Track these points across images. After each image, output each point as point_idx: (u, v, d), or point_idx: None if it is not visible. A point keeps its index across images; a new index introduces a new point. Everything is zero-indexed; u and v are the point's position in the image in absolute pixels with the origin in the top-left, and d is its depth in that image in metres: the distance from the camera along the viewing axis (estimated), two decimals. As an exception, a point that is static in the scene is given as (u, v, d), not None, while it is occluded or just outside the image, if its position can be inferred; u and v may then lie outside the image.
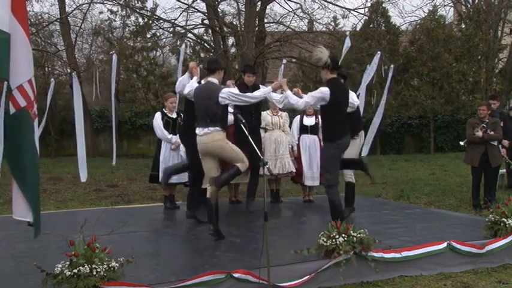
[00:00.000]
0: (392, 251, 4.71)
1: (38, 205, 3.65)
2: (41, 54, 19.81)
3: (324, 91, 5.39)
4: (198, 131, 5.45)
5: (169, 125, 7.28)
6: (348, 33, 11.27)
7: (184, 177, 7.29)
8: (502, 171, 9.40)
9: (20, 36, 3.47)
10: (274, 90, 5.76)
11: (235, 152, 5.47)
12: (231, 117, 5.99)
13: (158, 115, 7.39)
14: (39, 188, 3.69)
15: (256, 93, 5.68)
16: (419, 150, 21.00)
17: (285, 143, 7.69)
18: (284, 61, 11.87)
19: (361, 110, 10.66)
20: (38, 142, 3.62)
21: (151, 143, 20.38)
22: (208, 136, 5.34)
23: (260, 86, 7.18)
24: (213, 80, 5.50)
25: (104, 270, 3.54)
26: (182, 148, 6.95)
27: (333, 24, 19.78)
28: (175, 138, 7.16)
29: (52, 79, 13.16)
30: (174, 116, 7.33)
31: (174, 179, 7.29)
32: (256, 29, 16.21)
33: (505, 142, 8.76)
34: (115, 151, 9.99)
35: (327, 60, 5.47)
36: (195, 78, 5.99)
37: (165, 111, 7.38)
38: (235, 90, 5.61)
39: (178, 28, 16.71)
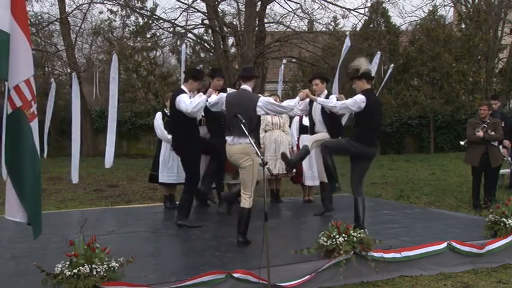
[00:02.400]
0: (392, 251, 4.71)
1: (38, 205, 3.65)
2: (41, 54, 19.82)
3: (361, 99, 5.55)
4: (229, 139, 5.21)
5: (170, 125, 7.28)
6: (347, 33, 11.27)
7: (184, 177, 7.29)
8: (504, 171, 9.40)
9: (18, 37, 3.47)
10: (302, 100, 5.89)
11: (254, 176, 5.22)
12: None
13: (159, 115, 7.40)
14: (40, 188, 3.69)
15: (290, 102, 5.68)
16: (419, 150, 21.00)
17: (285, 142, 7.68)
18: (284, 61, 11.87)
19: None
20: (38, 142, 3.61)
21: (151, 143, 20.40)
22: (240, 147, 5.11)
23: (228, 90, 7.09)
24: (248, 88, 5.39)
25: (104, 270, 3.54)
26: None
27: (333, 24, 19.73)
28: None
29: (52, 79, 13.16)
30: None
31: (173, 179, 7.30)
32: (256, 29, 16.17)
33: (506, 142, 8.76)
34: (113, 152, 9.72)
35: (366, 71, 5.69)
36: (214, 96, 5.82)
37: (166, 111, 7.38)
38: (271, 99, 5.59)
39: (178, 28, 16.69)
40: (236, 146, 5.13)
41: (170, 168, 7.25)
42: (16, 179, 3.55)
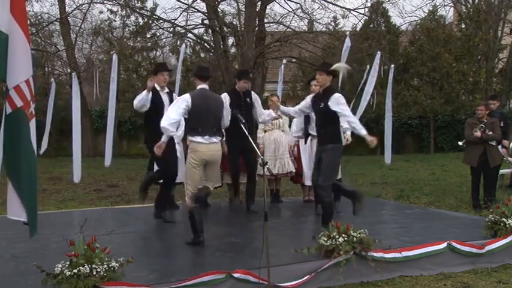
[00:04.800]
0: (392, 251, 4.71)
1: (35, 205, 3.65)
2: (41, 54, 19.81)
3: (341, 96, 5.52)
4: (203, 139, 5.18)
5: None
6: (348, 33, 11.27)
7: (181, 177, 7.26)
8: (504, 171, 9.39)
9: (18, 37, 3.47)
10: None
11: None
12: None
13: None
14: (36, 188, 3.69)
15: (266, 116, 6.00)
16: (419, 150, 20.99)
17: (284, 143, 7.68)
18: (284, 61, 11.88)
19: (361, 112, 10.96)
20: (35, 142, 3.62)
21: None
22: (217, 145, 5.29)
23: (252, 93, 7.15)
24: (207, 87, 5.38)
25: (104, 270, 3.54)
26: (178, 148, 6.94)
27: (333, 24, 19.73)
28: None
29: (52, 79, 13.17)
30: None
31: None
32: (256, 29, 16.17)
33: (506, 142, 8.75)
34: (111, 151, 9.97)
35: (336, 68, 5.69)
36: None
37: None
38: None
39: (178, 28, 16.68)
40: (217, 144, 5.27)
41: None
42: (15, 178, 3.55)
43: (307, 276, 4.28)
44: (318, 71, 5.74)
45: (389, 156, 11.19)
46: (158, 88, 6.38)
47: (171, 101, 6.31)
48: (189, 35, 17.24)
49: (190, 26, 16.66)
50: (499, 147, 8.25)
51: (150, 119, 6.28)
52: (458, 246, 4.95)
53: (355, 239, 4.47)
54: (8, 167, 3.58)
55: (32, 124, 3.59)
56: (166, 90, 6.55)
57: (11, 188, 3.57)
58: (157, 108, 6.22)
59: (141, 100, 6.22)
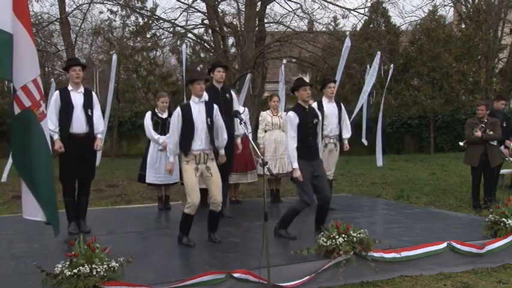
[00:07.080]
0: (392, 251, 4.71)
1: (54, 204, 3.63)
2: (41, 54, 19.79)
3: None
4: None
5: (159, 125, 7.21)
6: (347, 33, 11.27)
7: (175, 177, 7.25)
8: (505, 171, 9.38)
9: (22, 37, 3.46)
10: None
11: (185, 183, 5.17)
12: None
13: (148, 114, 7.29)
14: (54, 186, 3.67)
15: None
16: (419, 150, 20.97)
17: (285, 143, 7.68)
18: (284, 61, 11.86)
19: (364, 113, 10.93)
20: (49, 141, 3.60)
21: (151, 143, 20.39)
22: None
23: (231, 90, 6.72)
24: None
25: (104, 270, 3.54)
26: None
27: (333, 24, 19.75)
28: (163, 139, 7.08)
29: (52, 79, 13.19)
30: (165, 116, 7.27)
31: (160, 180, 7.25)
32: (256, 29, 16.16)
33: (507, 142, 8.74)
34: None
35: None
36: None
37: (156, 111, 7.31)
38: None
39: (178, 28, 16.68)
40: None
41: (157, 169, 7.21)
42: (28, 179, 3.53)
43: (307, 277, 4.28)
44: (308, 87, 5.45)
45: (380, 158, 11.29)
46: (70, 88, 5.74)
47: (87, 101, 5.76)
48: (189, 35, 17.23)
49: (190, 26, 16.66)
50: (502, 147, 8.24)
51: (60, 121, 5.67)
52: (458, 246, 4.95)
53: (355, 239, 4.47)
54: (20, 168, 3.56)
55: (44, 123, 3.57)
56: (81, 89, 5.81)
57: (25, 188, 3.56)
58: (66, 110, 5.62)
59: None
